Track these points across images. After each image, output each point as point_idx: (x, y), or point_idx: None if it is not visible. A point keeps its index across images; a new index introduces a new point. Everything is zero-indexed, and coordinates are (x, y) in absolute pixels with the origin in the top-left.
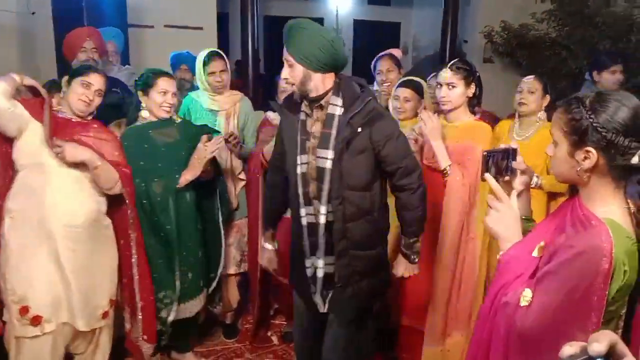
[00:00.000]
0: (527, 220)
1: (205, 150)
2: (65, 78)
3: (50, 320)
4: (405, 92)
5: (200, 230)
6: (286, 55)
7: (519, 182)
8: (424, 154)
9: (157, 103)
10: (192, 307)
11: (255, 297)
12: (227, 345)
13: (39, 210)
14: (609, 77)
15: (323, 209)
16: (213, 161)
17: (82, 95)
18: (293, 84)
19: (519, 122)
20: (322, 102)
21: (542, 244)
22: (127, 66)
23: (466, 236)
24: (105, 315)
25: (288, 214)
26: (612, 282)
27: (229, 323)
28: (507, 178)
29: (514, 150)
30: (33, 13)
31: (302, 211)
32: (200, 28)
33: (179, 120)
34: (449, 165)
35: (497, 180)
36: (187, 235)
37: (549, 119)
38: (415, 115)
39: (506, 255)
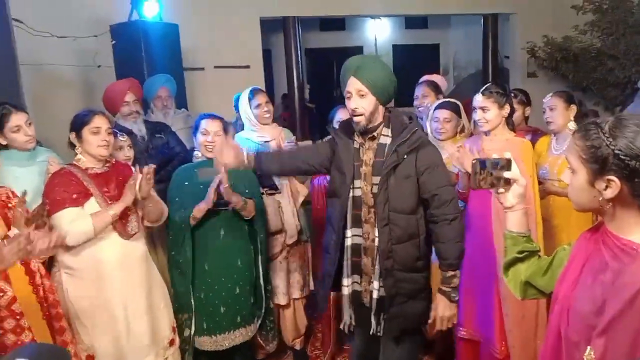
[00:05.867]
0: (527, 240)
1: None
2: (72, 135)
3: None
4: (445, 113)
5: (239, 267)
6: (359, 86)
7: (512, 195)
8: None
9: (200, 143)
10: (224, 340)
11: (331, 321)
12: None
13: (96, 263)
14: None
15: (376, 232)
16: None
17: (99, 141)
18: (361, 115)
19: (555, 137)
20: (375, 133)
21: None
22: (182, 110)
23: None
24: (172, 342)
25: None
26: None
27: (299, 349)
28: (501, 190)
29: (508, 161)
30: (99, 66)
31: (348, 232)
32: (248, 66)
33: None
34: None
35: (491, 191)
36: (220, 270)
37: None
38: (455, 134)
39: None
